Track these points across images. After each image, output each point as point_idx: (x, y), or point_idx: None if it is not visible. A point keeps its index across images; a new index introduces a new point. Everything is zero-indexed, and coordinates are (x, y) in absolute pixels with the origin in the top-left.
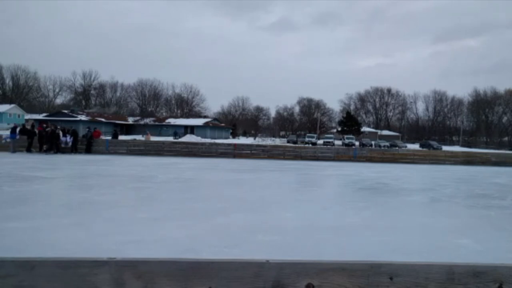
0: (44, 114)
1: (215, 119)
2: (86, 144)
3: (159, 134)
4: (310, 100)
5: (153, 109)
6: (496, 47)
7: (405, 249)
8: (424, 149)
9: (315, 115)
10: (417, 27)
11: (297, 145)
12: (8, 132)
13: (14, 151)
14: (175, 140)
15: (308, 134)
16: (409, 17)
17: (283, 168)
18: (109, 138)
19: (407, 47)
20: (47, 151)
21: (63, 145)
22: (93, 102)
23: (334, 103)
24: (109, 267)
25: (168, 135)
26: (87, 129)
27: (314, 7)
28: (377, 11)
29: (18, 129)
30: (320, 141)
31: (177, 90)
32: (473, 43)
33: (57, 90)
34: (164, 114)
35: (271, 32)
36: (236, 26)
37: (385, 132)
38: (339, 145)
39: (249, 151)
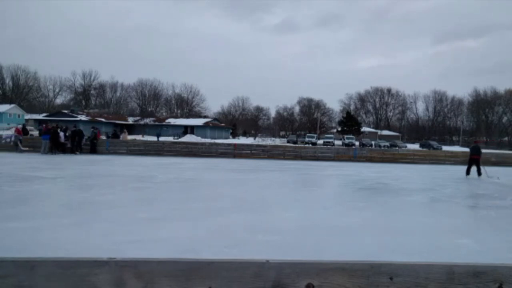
0: (44, 114)
1: (215, 119)
2: (90, 145)
3: (161, 134)
4: (310, 100)
5: (153, 109)
6: (497, 48)
7: (405, 249)
8: (424, 149)
9: (315, 115)
10: (418, 27)
11: (297, 145)
12: (8, 132)
13: (46, 152)
14: (175, 140)
15: (308, 134)
16: (410, 18)
17: (283, 168)
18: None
19: (407, 48)
20: (52, 151)
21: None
22: (93, 102)
23: (334, 103)
24: (109, 267)
25: (168, 135)
26: (92, 129)
27: (316, 8)
28: (378, 12)
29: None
30: (320, 141)
31: (177, 90)
32: (473, 43)
33: (57, 90)
34: (164, 114)
35: (273, 33)
36: (238, 27)
37: (385, 132)
38: (339, 145)
39: (249, 151)
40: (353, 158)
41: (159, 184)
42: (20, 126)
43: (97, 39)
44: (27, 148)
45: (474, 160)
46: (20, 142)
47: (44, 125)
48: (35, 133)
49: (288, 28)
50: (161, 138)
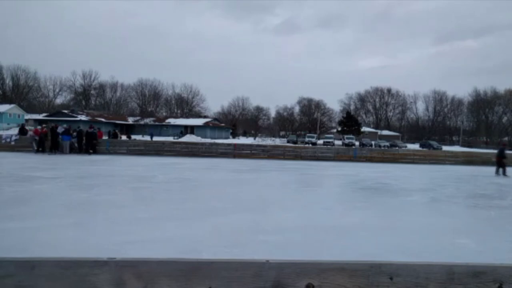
0: (44, 114)
1: (215, 119)
2: (91, 145)
3: (159, 134)
4: (310, 100)
5: (153, 109)
6: (497, 48)
7: (405, 249)
8: (424, 149)
9: (315, 115)
10: (419, 28)
11: (297, 145)
12: (8, 132)
13: (69, 152)
14: (175, 140)
15: (308, 134)
16: (410, 18)
17: (283, 168)
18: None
19: (408, 48)
20: (52, 151)
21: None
22: (93, 102)
23: (334, 103)
24: (109, 267)
25: (168, 135)
26: (92, 129)
27: (317, 9)
28: (379, 12)
29: (72, 131)
30: (320, 141)
31: (177, 90)
32: (474, 43)
33: (57, 90)
34: (164, 114)
35: (274, 34)
36: (239, 28)
37: (385, 132)
38: (339, 145)
39: (249, 151)
40: (353, 158)
41: (159, 184)
42: (39, 128)
43: (98, 39)
44: (40, 149)
45: (496, 161)
46: (36, 142)
47: (44, 126)
48: (32, 133)
49: (289, 28)
50: (157, 138)
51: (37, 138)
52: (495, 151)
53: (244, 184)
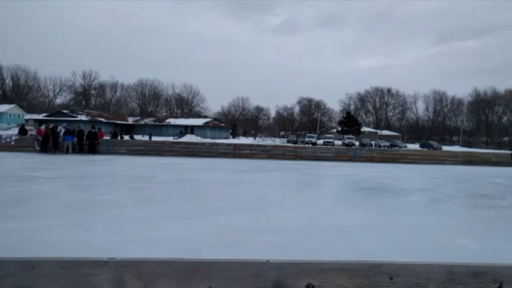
0: (44, 114)
1: (215, 119)
2: (93, 144)
3: (159, 134)
4: (310, 100)
5: (153, 109)
6: (497, 48)
7: (405, 249)
8: (424, 149)
9: (315, 115)
10: (419, 28)
11: (297, 145)
12: (8, 132)
13: (71, 152)
14: (175, 140)
15: (308, 134)
16: (411, 18)
17: (283, 168)
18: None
19: (408, 48)
20: (52, 151)
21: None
22: (93, 102)
23: (334, 103)
24: (109, 267)
25: (168, 135)
26: (93, 129)
27: (317, 9)
28: (379, 12)
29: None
30: (320, 141)
31: (177, 90)
32: (474, 43)
33: (57, 90)
34: (164, 114)
35: (274, 34)
36: (239, 28)
37: (385, 132)
38: (339, 145)
39: (249, 151)
40: (353, 158)
41: (159, 184)
42: (43, 128)
43: (98, 39)
44: (42, 148)
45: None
46: (38, 142)
47: (46, 125)
48: (34, 133)
49: (289, 28)
50: (157, 138)
51: (39, 138)
52: (495, 151)
53: (244, 184)
